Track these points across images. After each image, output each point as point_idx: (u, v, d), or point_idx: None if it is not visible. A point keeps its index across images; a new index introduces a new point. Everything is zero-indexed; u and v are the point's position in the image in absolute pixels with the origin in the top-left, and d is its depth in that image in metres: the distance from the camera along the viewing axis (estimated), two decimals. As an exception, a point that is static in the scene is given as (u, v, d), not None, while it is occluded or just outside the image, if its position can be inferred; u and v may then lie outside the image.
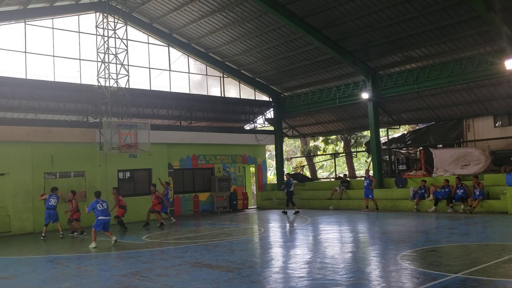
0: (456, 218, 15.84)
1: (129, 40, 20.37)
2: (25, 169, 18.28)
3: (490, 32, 17.34)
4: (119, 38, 19.71)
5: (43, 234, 15.56)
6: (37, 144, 18.59)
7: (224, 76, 25.34)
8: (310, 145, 35.62)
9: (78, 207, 16.49)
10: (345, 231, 14.70)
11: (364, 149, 31.73)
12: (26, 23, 18.96)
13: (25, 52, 18.80)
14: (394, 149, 26.15)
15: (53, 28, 19.67)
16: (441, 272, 7.72)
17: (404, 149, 26.20)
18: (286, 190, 21.30)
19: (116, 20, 19.88)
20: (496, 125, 22.48)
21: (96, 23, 19.75)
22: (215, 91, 24.97)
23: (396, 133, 28.62)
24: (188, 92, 23.69)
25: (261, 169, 27.37)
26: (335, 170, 33.50)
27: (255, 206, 26.85)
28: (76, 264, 10.61)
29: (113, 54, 19.52)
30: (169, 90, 22.85)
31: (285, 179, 22.51)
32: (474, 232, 12.71)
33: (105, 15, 19.47)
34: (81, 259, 11.35)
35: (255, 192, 28.59)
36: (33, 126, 18.62)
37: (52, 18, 19.70)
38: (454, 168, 20.11)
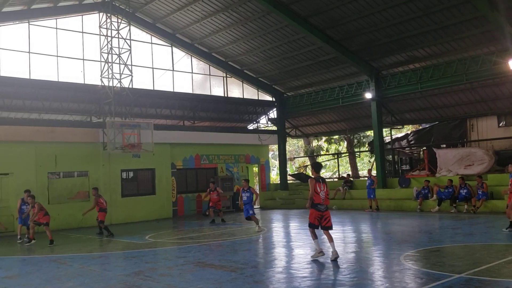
0: (459, 218, 15.80)
1: (132, 40, 20.40)
2: (29, 169, 18.34)
3: (494, 32, 17.27)
4: (122, 38, 19.74)
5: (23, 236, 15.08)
6: (40, 144, 18.64)
7: (227, 76, 25.33)
8: (313, 145, 35.57)
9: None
10: (348, 231, 14.68)
11: (367, 149, 31.69)
12: (30, 23, 19.01)
13: (29, 52, 18.85)
14: (398, 149, 26.11)
15: (56, 28, 19.71)
16: (445, 273, 7.70)
17: (407, 149, 26.15)
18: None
19: (119, 20, 19.91)
20: (500, 125, 22.43)
21: (100, 23, 19.77)
22: (218, 91, 24.96)
23: (399, 133, 28.58)
24: (191, 92, 23.69)
25: (264, 169, 27.37)
26: (338, 170, 33.51)
27: (258, 206, 26.82)
28: (79, 263, 10.62)
29: (116, 54, 19.55)
30: (172, 90, 22.85)
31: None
32: (478, 233, 12.69)
33: (109, 15, 19.52)
34: (84, 258, 11.37)
35: (258, 192, 28.56)
36: (37, 126, 18.68)
37: (56, 18, 19.74)
38: (457, 168, 20.05)
